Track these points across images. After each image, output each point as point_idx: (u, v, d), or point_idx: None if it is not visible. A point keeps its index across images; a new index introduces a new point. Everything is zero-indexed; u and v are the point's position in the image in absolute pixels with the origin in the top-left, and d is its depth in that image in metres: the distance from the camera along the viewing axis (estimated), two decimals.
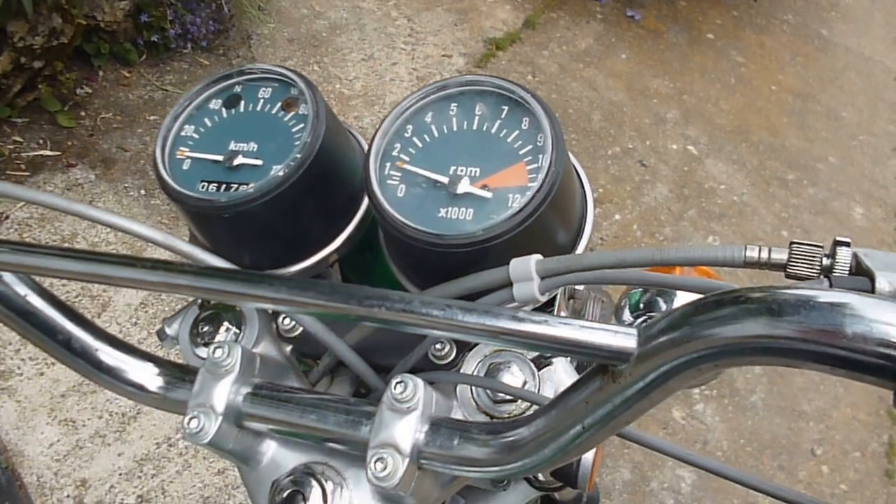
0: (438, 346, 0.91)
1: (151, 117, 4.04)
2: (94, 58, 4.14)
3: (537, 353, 0.86)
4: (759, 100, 5.50)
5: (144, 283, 0.76)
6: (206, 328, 0.95)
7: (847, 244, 0.63)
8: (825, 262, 0.65)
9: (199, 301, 0.97)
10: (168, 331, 0.98)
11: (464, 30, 5.23)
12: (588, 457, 1.08)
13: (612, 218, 4.26)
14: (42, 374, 3.09)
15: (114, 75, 4.22)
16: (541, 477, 1.22)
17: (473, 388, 0.86)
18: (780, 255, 0.66)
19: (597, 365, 0.65)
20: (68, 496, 2.83)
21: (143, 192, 3.68)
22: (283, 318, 0.97)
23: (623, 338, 0.60)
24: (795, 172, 4.91)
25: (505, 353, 0.87)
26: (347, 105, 4.41)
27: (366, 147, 0.95)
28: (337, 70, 4.65)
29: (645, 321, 0.77)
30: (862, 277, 0.61)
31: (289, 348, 0.98)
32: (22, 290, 0.88)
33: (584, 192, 0.96)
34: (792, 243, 0.65)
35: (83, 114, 3.93)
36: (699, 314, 0.55)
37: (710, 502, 3.22)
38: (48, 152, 3.73)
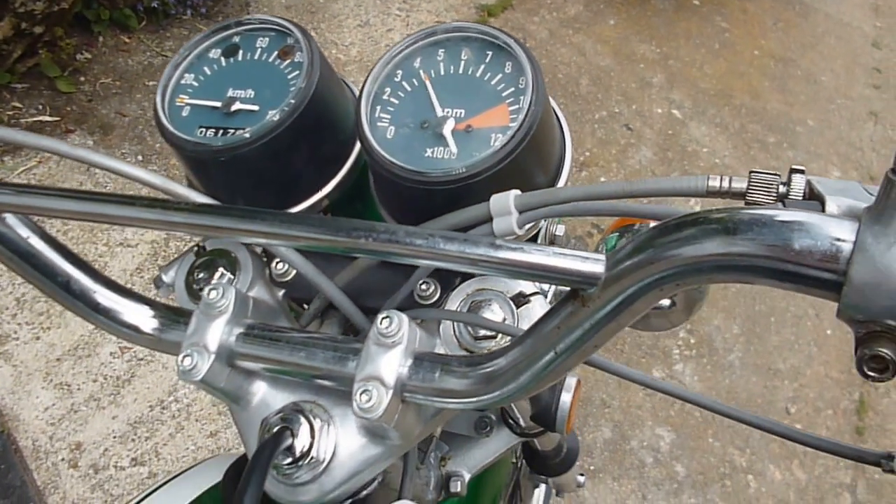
0: (423, 286, 0.91)
1: (150, 83, 3.94)
2: (93, 24, 4.03)
3: (517, 293, 0.86)
4: (742, 64, 5.43)
5: (144, 222, 0.75)
6: (201, 275, 0.93)
7: (802, 171, 0.64)
8: (781, 189, 0.65)
9: (195, 249, 0.96)
10: (164, 278, 0.96)
11: None
12: (566, 400, 1.10)
13: (597, 180, 4.16)
14: (38, 338, 3.02)
15: (113, 41, 4.12)
16: (521, 423, 1.22)
17: (456, 326, 0.86)
18: (740, 184, 0.67)
19: (568, 294, 0.65)
20: (63, 460, 2.76)
21: (140, 157, 3.58)
22: (276, 264, 0.97)
23: (592, 263, 0.61)
24: (775, 135, 4.84)
25: (486, 292, 0.87)
26: (343, 70, 4.31)
27: (355, 93, 1.00)
28: (333, 36, 4.56)
29: None
30: (813, 202, 0.61)
31: (281, 293, 0.97)
32: (24, 231, 0.86)
33: (564, 136, 0.96)
34: (751, 172, 0.66)
35: (82, 79, 3.83)
36: (661, 237, 0.56)
37: (687, 460, 3.17)
38: (47, 118, 3.62)
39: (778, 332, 3.68)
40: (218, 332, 0.80)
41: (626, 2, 5.76)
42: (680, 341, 3.55)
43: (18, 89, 3.65)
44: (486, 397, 0.73)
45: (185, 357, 0.78)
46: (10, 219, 0.86)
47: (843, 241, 0.48)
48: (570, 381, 1.13)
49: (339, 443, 0.81)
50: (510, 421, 1.25)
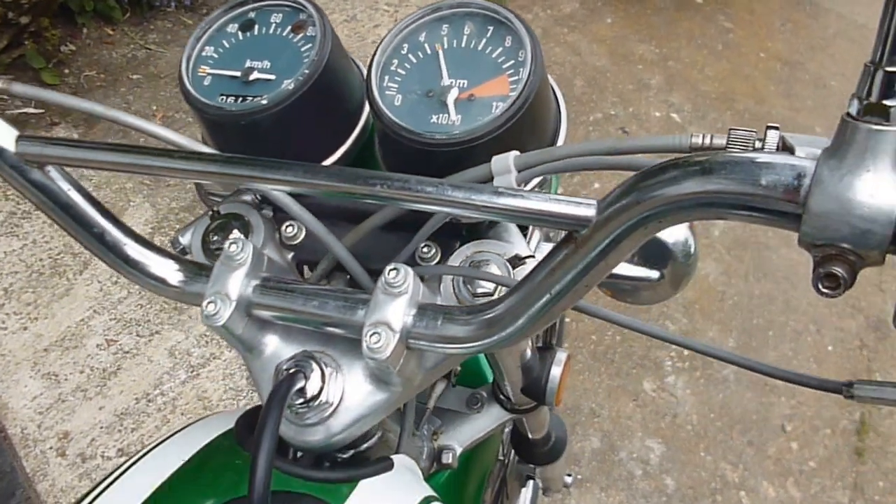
0: (424, 249, 1.02)
1: (134, 76, 4.09)
2: (77, 15, 4.19)
3: (513, 255, 0.96)
4: (746, 67, 5.53)
5: (178, 172, 0.85)
6: (215, 237, 1.04)
7: (776, 128, 0.72)
8: (757, 144, 0.75)
9: (210, 213, 1.06)
10: (181, 240, 1.06)
11: None
12: (555, 373, 1.27)
13: (591, 187, 4.31)
14: (26, 328, 3.22)
15: (97, 33, 4.28)
16: (512, 398, 1.38)
17: (455, 284, 0.96)
18: (721, 140, 0.75)
19: (561, 240, 0.74)
20: (51, 448, 2.95)
21: None
22: (286, 228, 1.07)
23: (585, 207, 0.70)
24: None
25: (483, 254, 0.97)
26: None
27: (364, 72, 1.08)
28: None
29: None
30: (785, 152, 0.70)
31: (290, 255, 1.07)
32: (65, 185, 0.94)
33: (559, 109, 1.07)
34: (730, 129, 0.74)
35: (67, 71, 3.98)
36: (646, 180, 0.65)
37: (677, 473, 3.30)
38: (32, 110, 3.78)
39: (776, 347, 3.80)
40: (238, 283, 0.88)
41: (624, 0, 5.89)
42: (672, 353, 3.69)
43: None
44: (486, 341, 0.82)
45: (209, 303, 0.87)
46: (53, 172, 0.94)
47: (804, 176, 0.56)
48: (561, 356, 1.30)
49: (346, 389, 0.90)
50: (501, 397, 1.41)
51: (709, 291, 4.01)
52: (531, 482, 2.37)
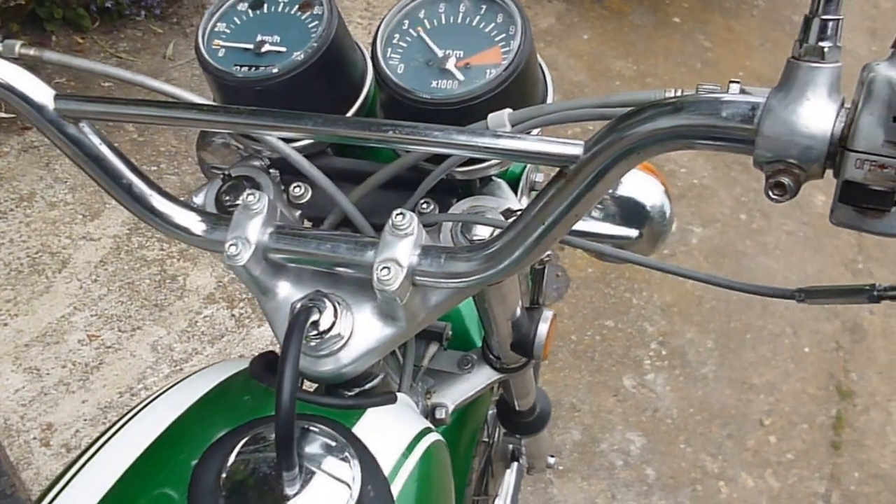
0: (424, 205, 1.18)
1: (105, 83, 4.38)
2: (46, 22, 4.46)
3: (505, 208, 1.14)
4: (725, 85, 5.85)
5: (204, 122, 1.02)
6: (227, 197, 1.18)
7: (738, 82, 0.82)
8: None
9: (222, 175, 1.21)
10: (196, 200, 1.22)
11: None
12: (542, 329, 1.47)
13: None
14: (6, 324, 3.48)
15: (66, 41, 4.57)
16: (502, 357, 1.58)
17: (453, 232, 1.14)
18: (690, 93, 0.84)
19: (552, 177, 0.87)
20: (35, 438, 3.22)
21: None
22: (293, 188, 1.22)
23: (573, 147, 0.83)
24: None
25: (479, 208, 1.15)
26: None
27: (364, 51, 1.28)
28: None
29: None
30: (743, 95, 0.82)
31: (297, 213, 1.23)
32: (96, 139, 1.07)
33: (546, 83, 1.23)
34: (699, 85, 0.85)
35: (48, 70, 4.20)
36: (626, 120, 0.79)
37: (658, 464, 3.62)
38: (3, 115, 4.05)
39: (754, 348, 4.13)
40: (256, 228, 1.00)
41: (602, 16, 6.28)
42: (651, 352, 4.02)
43: None
44: (486, 274, 0.94)
45: (230, 245, 0.99)
46: (87, 128, 1.06)
47: (756, 108, 0.70)
48: (547, 314, 1.50)
49: (355, 324, 1.03)
50: (491, 357, 1.61)
51: (687, 296, 4.33)
52: (515, 464, 2.62)
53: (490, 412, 2.27)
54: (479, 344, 1.64)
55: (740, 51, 6.37)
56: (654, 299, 4.29)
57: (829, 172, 0.70)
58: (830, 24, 0.67)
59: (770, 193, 0.71)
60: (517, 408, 2.00)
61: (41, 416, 3.29)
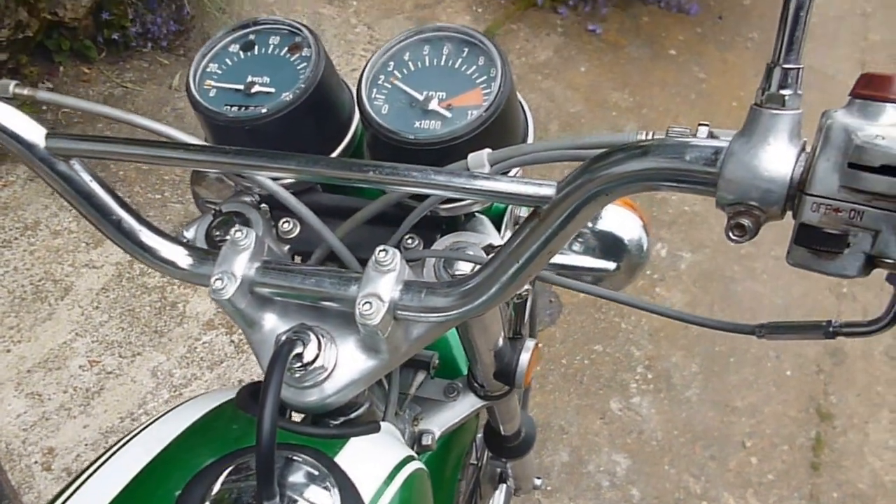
0: (409, 241, 1.21)
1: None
2: (55, 53, 4.53)
3: (487, 244, 1.16)
4: (719, 115, 5.91)
5: (194, 162, 1.02)
6: (218, 232, 1.20)
7: (707, 125, 0.83)
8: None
9: (213, 211, 1.23)
10: (186, 234, 1.24)
11: None
12: (524, 358, 1.47)
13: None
14: (9, 350, 3.53)
15: (74, 71, 4.63)
16: (486, 385, 1.59)
17: (436, 267, 1.15)
18: (661, 135, 0.86)
19: (527, 217, 0.89)
20: (36, 462, 3.24)
21: None
22: (282, 223, 1.25)
23: (546, 188, 0.85)
24: None
25: (461, 243, 1.17)
26: None
27: (352, 91, 1.28)
28: None
29: None
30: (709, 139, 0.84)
31: (286, 248, 1.26)
32: (87, 176, 1.09)
33: (527, 121, 1.26)
34: (669, 127, 0.85)
35: (45, 108, 4.31)
36: (597, 163, 0.81)
37: (643, 484, 3.66)
38: None
39: (737, 371, 4.17)
40: (242, 263, 1.02)
41: (599, 49, 6.32)
42: (637, 376, 4.07)
43: None
44: (464, 308, 0.96)
45: (216, 280, 1.00)
46: (77, 165, 1.08)
47: (719, 152, 0.72)
48: (529, 343, 1.49)
49: (339, 356, 1.04)
50: (475, 385, 1.62)
51: (675, 321, 4.30)
52: (503, 485, 2.66)
53: (478, 435, 2.30)
54: (465, 372, 1.66)
55: (735, 82, 6.40)
56: (642, 324, 4.34)
57: (790, 214, 0.72)
58: (791, 72, 0.69)
59: (730, 234, 0.74)
60: (503, 432, 2.01)
61: (42, 441, 3.32)
